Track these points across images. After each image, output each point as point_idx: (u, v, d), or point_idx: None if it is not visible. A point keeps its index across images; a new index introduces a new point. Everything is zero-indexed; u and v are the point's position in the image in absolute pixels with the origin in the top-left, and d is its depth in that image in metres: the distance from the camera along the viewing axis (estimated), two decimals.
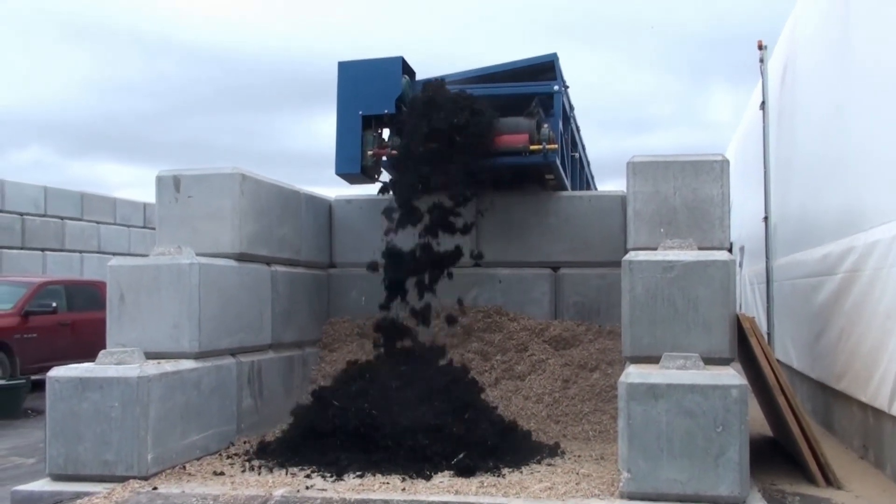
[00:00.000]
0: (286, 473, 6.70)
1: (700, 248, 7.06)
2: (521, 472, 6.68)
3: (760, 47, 11.23)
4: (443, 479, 6.48)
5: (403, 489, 6.21)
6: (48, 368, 6.94)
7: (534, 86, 9.31)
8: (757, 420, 8.26)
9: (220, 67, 63.61)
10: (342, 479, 6.50)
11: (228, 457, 7.29)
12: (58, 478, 6.57)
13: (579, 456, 7.29)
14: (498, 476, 6.56)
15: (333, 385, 8.19)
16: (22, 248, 20.95)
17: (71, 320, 14.23)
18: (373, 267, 9.17)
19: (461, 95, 8.75)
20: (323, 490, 6.18)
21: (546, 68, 9.39)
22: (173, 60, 62.00)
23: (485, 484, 6.31)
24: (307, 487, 6.25)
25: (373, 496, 5.98)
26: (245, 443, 7.67)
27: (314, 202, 9.75)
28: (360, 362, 8.58)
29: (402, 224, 8.80)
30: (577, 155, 11.10)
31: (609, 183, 27.69)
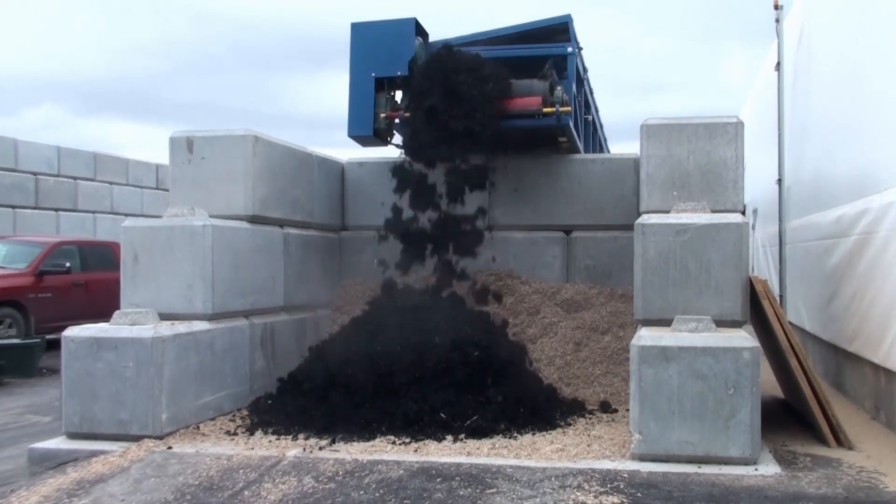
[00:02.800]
0: (298, 434, 6.77)
1: (713, 211, 7.04)
2: (533, 434, 6.73)
3: (776, 7, 11.11)
4: (455, 440, 6.54)
5: (416, 450, 6.26)
6: (62, 328, 7.00)
7: (547, 48, 9.23)
8: (769, 382, 8.28)
9: (233, 28, 63.45)
10: (355, 441, 6.56)
11: (242, 417, 7.36)
12: (73, 436, 6.66)
13: (591, 418, 7.34)
14: (510, 437, 6.61)
15: (341, 336, 8.23)
16: (35, 208, 21.03)
17: (85, 280, 14.32)
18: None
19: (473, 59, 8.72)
20: (335, 451, 6.24)
21: (560, 30, 9.30)
22: (185, 20, 61.85)
23: (497, 446, 6.36)
24: (320, 448, 6.31)
25: (385, 457, 6.04)
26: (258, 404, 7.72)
27: (326, 164, 9.73)
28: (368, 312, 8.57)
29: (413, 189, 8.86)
30: (590, 118, 11.04)
31: (622, 146, 27.55)
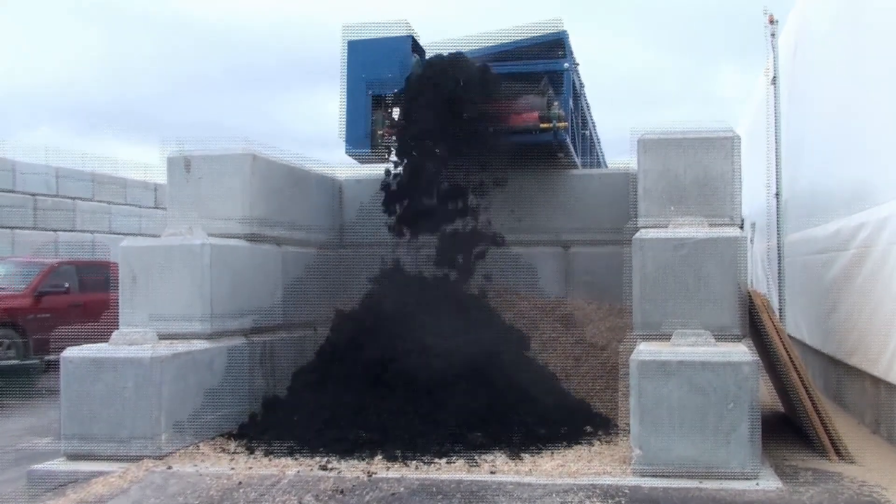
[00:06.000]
0: (298, 453, 6.74)
1: (710, 225, 7.03)
2: (533, 451, 6.70)
3: (772, 21, 11.15)
4: (457, 457, 6.51)
5: (416, 467, 6.24)
6: (61, 349, 6.98)
7: (543, 63, 9.25)
8: (769, 396, 8.25)
9: (230, 46, 63.61)
10: (356, 458, 6.53)
11: (242, 436, 7.33)
12: (73, 457, 6.63)
13: (591, 434, 7.32)
14: (511, 455, 6.58)
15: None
16: (34, 229, 21.00)
17: (83, 301, 14.27)
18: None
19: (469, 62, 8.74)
20: (335, 469, 6.22)
21: (556, 46, 9.33)
22: (183, 40, 62.00)
23: (497, 462, 6.33)
24: (320, 467, 6.28)
25: (385, 474, 6.02)
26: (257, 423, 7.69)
27: (324, 182, 9.74)
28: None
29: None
30: (587, 133, 11.06)
31: (619, 160, 27.59)
